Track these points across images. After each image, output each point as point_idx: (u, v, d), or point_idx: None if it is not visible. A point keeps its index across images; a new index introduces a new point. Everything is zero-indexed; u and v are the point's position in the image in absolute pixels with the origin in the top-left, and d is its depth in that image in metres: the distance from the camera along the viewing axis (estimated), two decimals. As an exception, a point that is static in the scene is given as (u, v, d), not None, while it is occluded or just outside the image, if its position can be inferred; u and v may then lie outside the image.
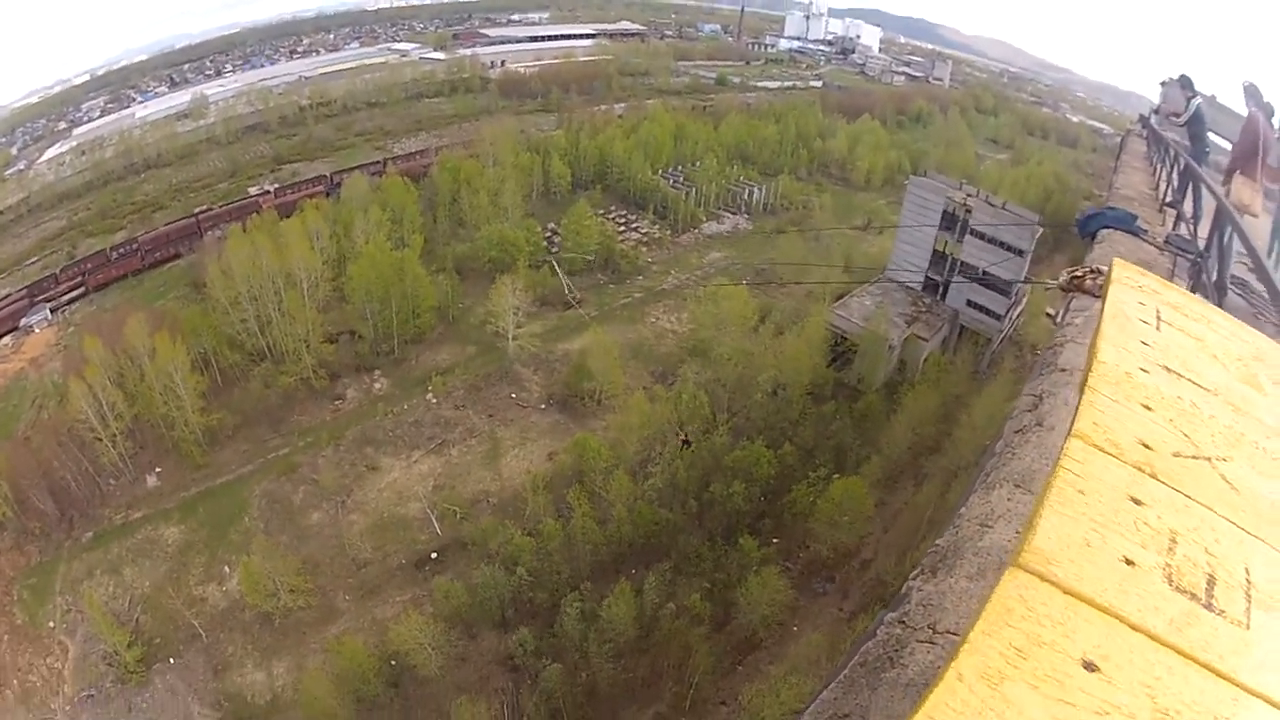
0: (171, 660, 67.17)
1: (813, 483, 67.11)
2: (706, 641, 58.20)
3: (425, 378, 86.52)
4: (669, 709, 58.69)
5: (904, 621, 6.72)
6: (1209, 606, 2.59)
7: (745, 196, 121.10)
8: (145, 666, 66.46)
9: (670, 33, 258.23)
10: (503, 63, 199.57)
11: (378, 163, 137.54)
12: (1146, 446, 3.14)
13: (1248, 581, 2.72)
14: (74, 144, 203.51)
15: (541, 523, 66.25)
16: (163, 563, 74.11)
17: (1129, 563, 2.62)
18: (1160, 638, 2.42)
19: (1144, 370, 3.63)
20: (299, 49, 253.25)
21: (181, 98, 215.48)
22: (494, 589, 62.94)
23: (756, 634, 60.91)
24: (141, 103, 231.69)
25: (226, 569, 71.99)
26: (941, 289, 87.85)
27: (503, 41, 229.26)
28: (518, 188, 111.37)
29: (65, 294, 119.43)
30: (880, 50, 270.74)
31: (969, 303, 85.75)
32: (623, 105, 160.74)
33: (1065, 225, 78.54)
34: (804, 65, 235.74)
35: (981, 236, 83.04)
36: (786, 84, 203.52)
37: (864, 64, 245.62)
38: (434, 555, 70.02)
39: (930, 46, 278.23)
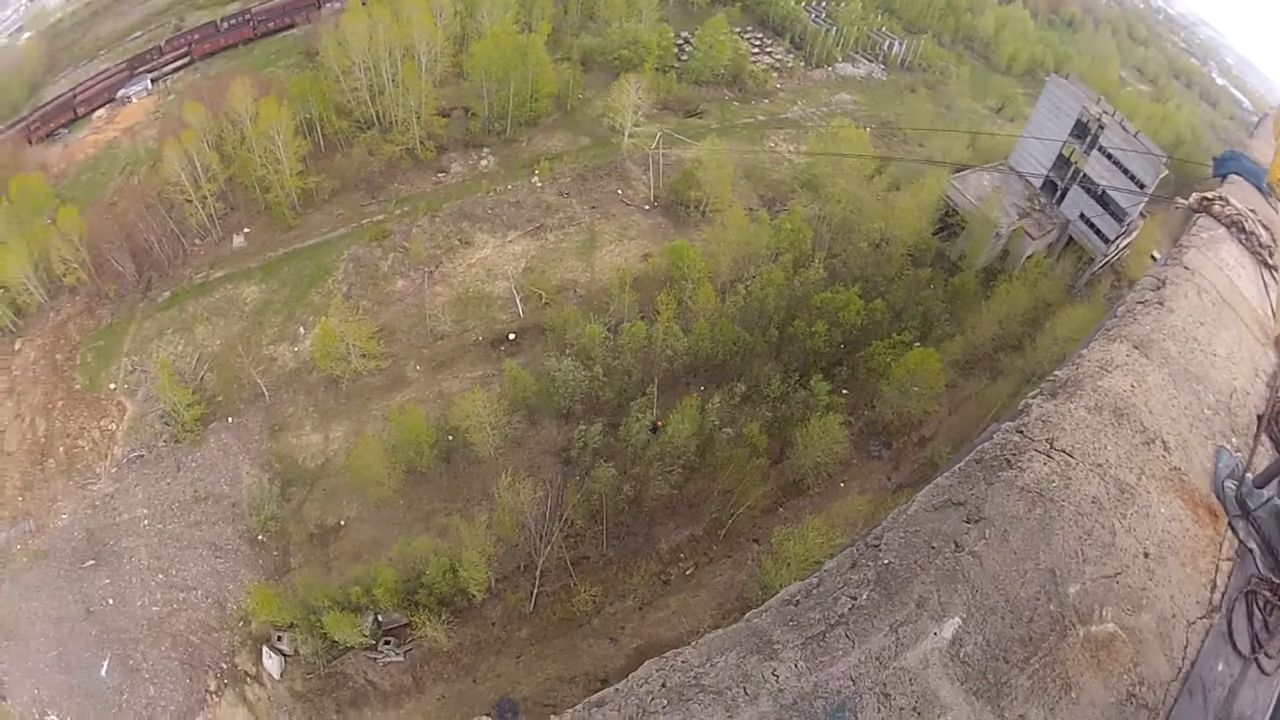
0: (230, 420, 69.53)
1: (893, 344, 66.03)
2: (758, 476, 58.03)
3: (533, 161, 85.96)
4: (704, 534, 59.56)
5: (1022, 431, 7.72)
6: None
7: (885, 47, 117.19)
8: (202, 425, 68.90)
9: None
10: None
11: None
12: None
13: None
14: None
15: (625, 321, 66.15)
16: (237, 321, 76.06)
17: None
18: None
19: None
20: None
21: None
22: (564, 380, 63.04)
23: (805, 479, 60.83)
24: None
25: (301, 330, 73.54)
26: (1060, 193, 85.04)
27: None
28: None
29: (169, 64, 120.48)
30: None
31: (1082, 216, 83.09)
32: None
33: (1195, 168, 75.96)
34: None
35: (1109, 156, 79.97)
36: None
37: None
38: (511, 336, 70.59)
39: None
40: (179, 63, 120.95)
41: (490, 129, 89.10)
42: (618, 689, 6.34)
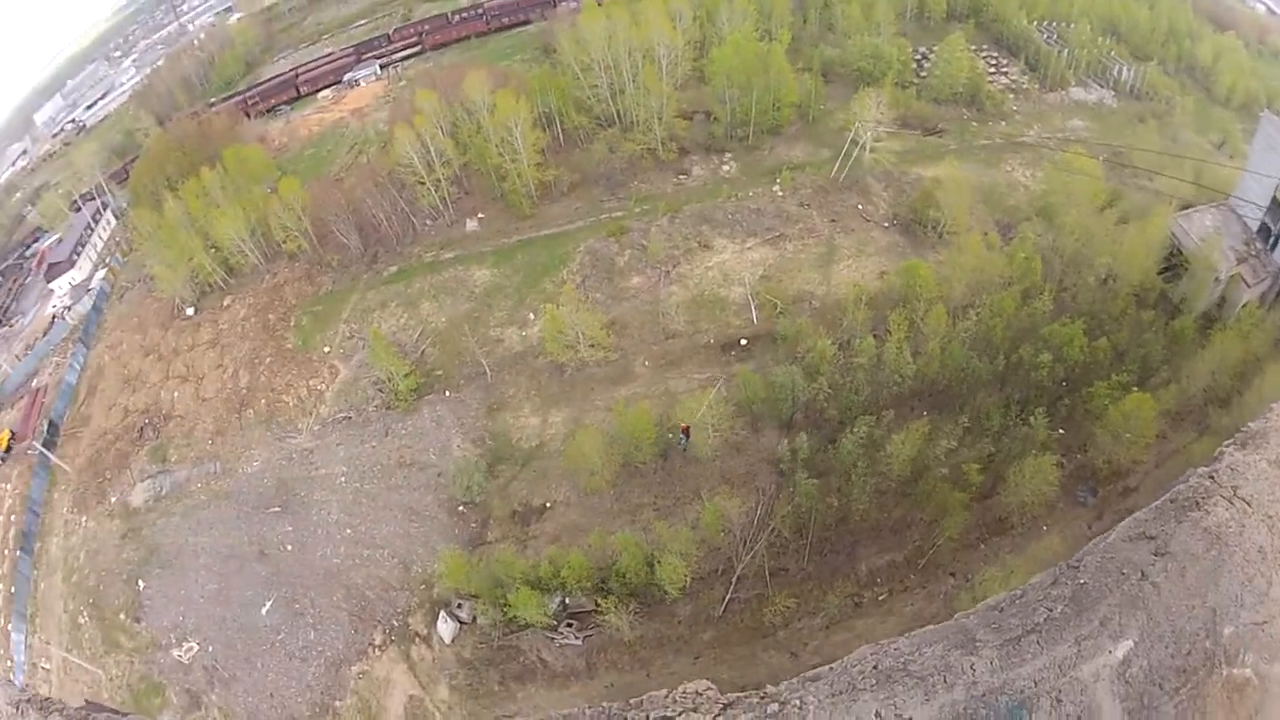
0: (447, 394, 72.59)
1: (1113, 386, 63.46)
2: (964, 510, 57.14)
3: (775, 170, 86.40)
4: (904, 561, 58.84)
5: (1213, 477, 8.59)
6: None
7: (1114, 72, 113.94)
8: (417, 396, 72.29)
9: None
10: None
11: None
12: None
13: None
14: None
15: (857, 338, 66.08)
16: (465, 301, 79.30)
17: None
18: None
19: None
20: None
21: None
22: (791, 390, 63.30)
23: (1010, 518, 59.54)
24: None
25: (531, 315, 76.09)
26: (1274, 239, 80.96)
27: None
28: (892, 4, 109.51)
29: (399, 52, 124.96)
30: None
31: None
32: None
33: None
34: None
35: None
36: None
37: None
38: (743, 341, 71.05)
39: None
40: (409, 51, 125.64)
41: (732, 134, 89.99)
42: (832, 667, 7.17)
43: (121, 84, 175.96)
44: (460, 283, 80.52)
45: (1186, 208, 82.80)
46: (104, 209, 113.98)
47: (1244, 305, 74.91)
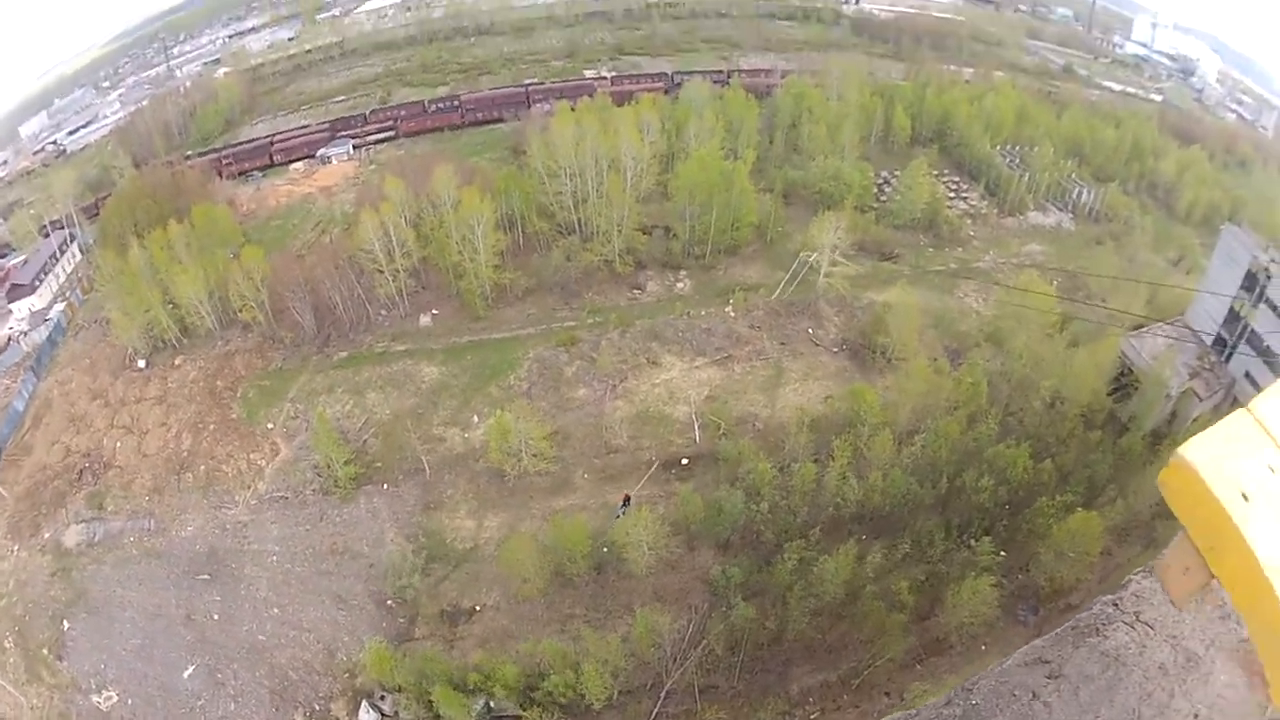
0: (385, 486, 71.77)
1: (1057, 506, 63.41)
2: (901, 631, 56.79)
3: (729, 290, 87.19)
4: (838, 681, 58.22)
5: (1116, 604, 8.71)
6: None
7: (1074, 195, 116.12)
8: (355, 485, 71.41)
9: (1024, 8, 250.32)
10: (857, 0, 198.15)
11: (720, 72, 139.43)
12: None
13: None
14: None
15: (798, 462, 65.83)
16: (411, 396, 78.70)
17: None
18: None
19: None
20: None
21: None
22: (728, 511, 63.15)
23: (949, 638, 59.24)
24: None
25: (475, 418, 75.51)
26: (1228, 351, 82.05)
27: None
28: (856, 128, 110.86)
29: (373, 134, 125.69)
30: (1216, 80, 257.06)
31: (1247, 375, 79.51)
32: (971, 70, 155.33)
33: None
34: (1146, 74, 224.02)
35: (1274, 308, 77.03)
36: (1129, 89, 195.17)
37: (1202, 90, 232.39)
38: (685, 461, 70.80)
39: (1259, 89, 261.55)
40: (383, 135, 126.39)
41: (689, 252, 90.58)
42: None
43: (106, 116, 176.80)
44: (408, 377, 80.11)
45: (1139, 327, 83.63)
46: (71, 240, 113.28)
47: (1195, 419, 75.41)
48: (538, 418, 71.68)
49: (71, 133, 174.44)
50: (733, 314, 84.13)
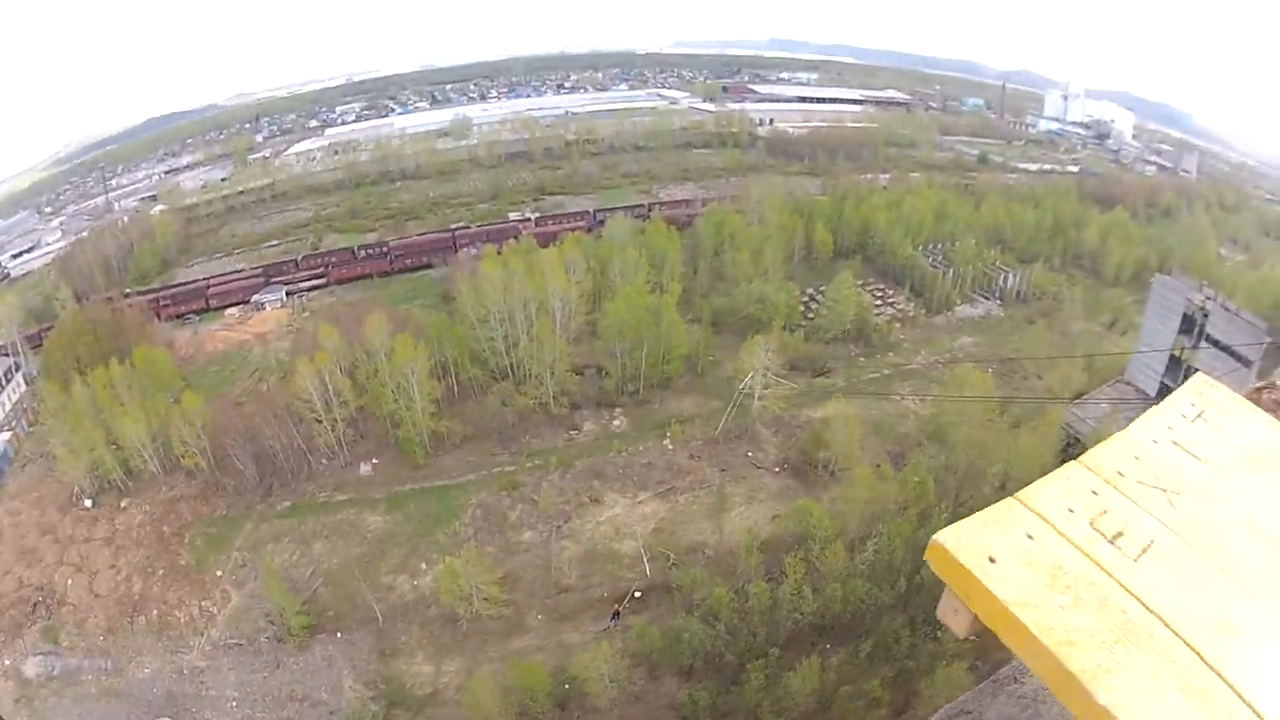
0: (339, 635, 70.42)
1: None
2: None
3: (665, 423, 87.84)
4: None
5: None
6: (1112, 541, 4.26)
7: (1000, 281, 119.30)
8: (309, 634, 70.08)
9: (935, 105, 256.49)
10: (771, 121, 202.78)
11: (642, 206, 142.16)
12: (1120, 474, 4.84)
13: (1150, 545, 4.31)
14: (326, 142, 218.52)
15: (751, 583, 66.00)
16: (358, 546, 77.75)
17: (1070, 511, 4.37)
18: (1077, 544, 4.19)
19: (1155, 441, 5.34)
20: (566, 84, 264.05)
21: (443, 115, 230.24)
22: (688, 639, 62.91)
23: None
24: (401, 114, 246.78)
25: (424, 565, 74.72)
26: None
27: (771, 99, 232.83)
28: (779, 248, 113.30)
29: (305, 280, 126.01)
30: (1132, 137, 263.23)
31: None
32: (887, 175, 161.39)
33: None
34: (1062, 148, 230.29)
35: (1215, 343, 79.14)
36: (1045, 167, 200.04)
37: (1118, 150, 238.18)
38: (637, 594, 70.79)
39: (1178, 135, 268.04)
40: (315, 281, 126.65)
41: (623, 389, 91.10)
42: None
43: (47, 243, 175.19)
44: (353, 526, 79.27)
45: (1080, 395, 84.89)
46: (16, 369, 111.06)
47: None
48: (486, 562, 70.91)
49: (15, 256, 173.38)
50: (671, 446, 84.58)
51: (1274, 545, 4.40)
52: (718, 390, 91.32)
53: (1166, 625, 3.63)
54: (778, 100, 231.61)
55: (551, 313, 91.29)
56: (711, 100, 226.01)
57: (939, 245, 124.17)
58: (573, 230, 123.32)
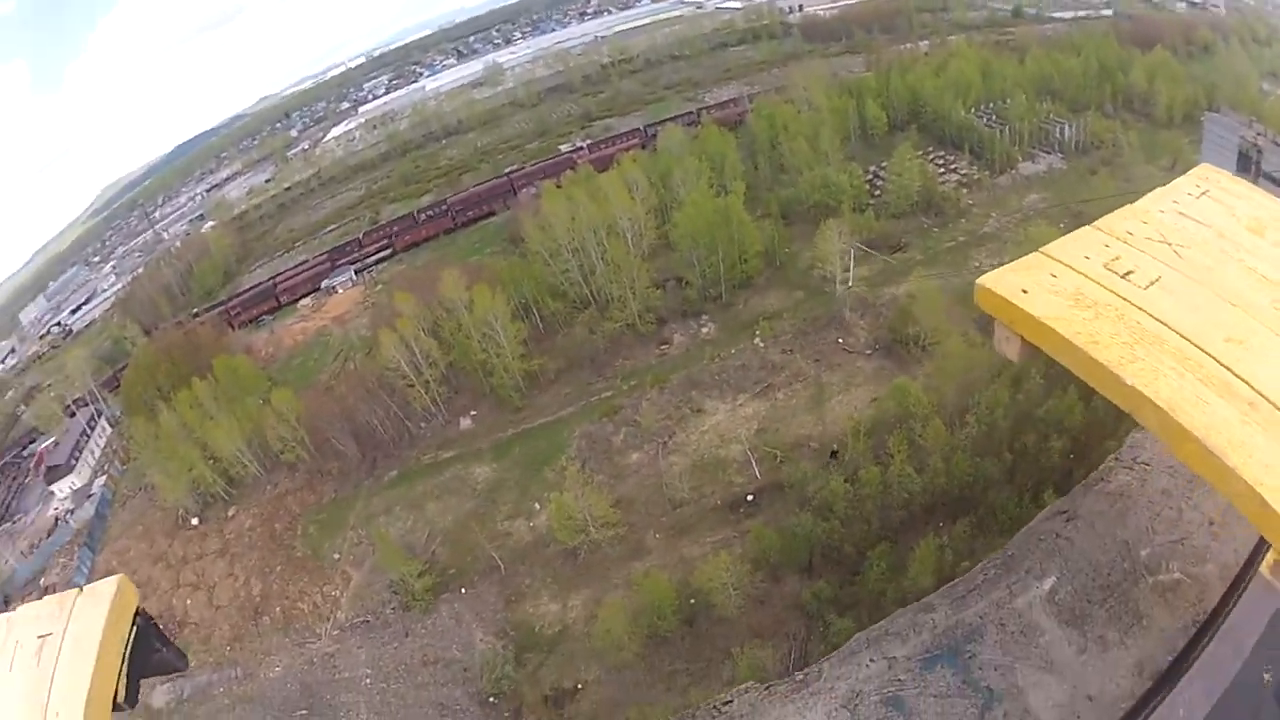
0: (463, 590, 71.20)
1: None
2: None
3: (752, 322, 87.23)
4: None
5: (1117, 458, 10.32)
6: (1124, 277, 4.97)
7: (1057, 134, 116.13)
8: (433, 595, 70.82)
9: None
10: (800, 6, 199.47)
11: (691, 113, 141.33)
12: (1130, 233, 5.58)
13: (1158, 279, 4.94)
14: (361, 120, 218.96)
15: (861, 469, 65.35)
16: (469, 499, 78.54)
17: (1086, 258, 5.23)
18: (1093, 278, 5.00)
19: (1161, 211, 6.11)
20: (588, 10, 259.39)
21: (473, 68, 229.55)
22: (804, 536, 62.68)
23: None
24: (430, 76, 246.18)
25: (537, 505, 75.20)
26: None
27: None
28: (834, 131, 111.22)
29: (371, 255, 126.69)
30: None
31: None
32: (926, 42, 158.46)
33: None
34: None
35: (1274, 180, 76.16)
36: (1080, 13, 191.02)
37: None
38: (750, 498, 70.32)
39: None
40: (381, 254, 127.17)
41: (705, 295, 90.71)
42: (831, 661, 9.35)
43: (103, 289, 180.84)
44: (462, 481, 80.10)
45: None
46: (98, 416, 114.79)
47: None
48: (595, 489, 71.39)
49: (73, 311, 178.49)
50: (761, 344, 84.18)
51: (1271, 286, 4.92)
52: (799, 281, 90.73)
53: (1178, 333, 4.25)
54: None
55: (622, 234, 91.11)
56: None
57: (990, 105, 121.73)
58: (627, 150, 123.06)
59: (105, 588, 4.81)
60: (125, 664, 4.71)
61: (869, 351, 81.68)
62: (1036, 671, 8.05)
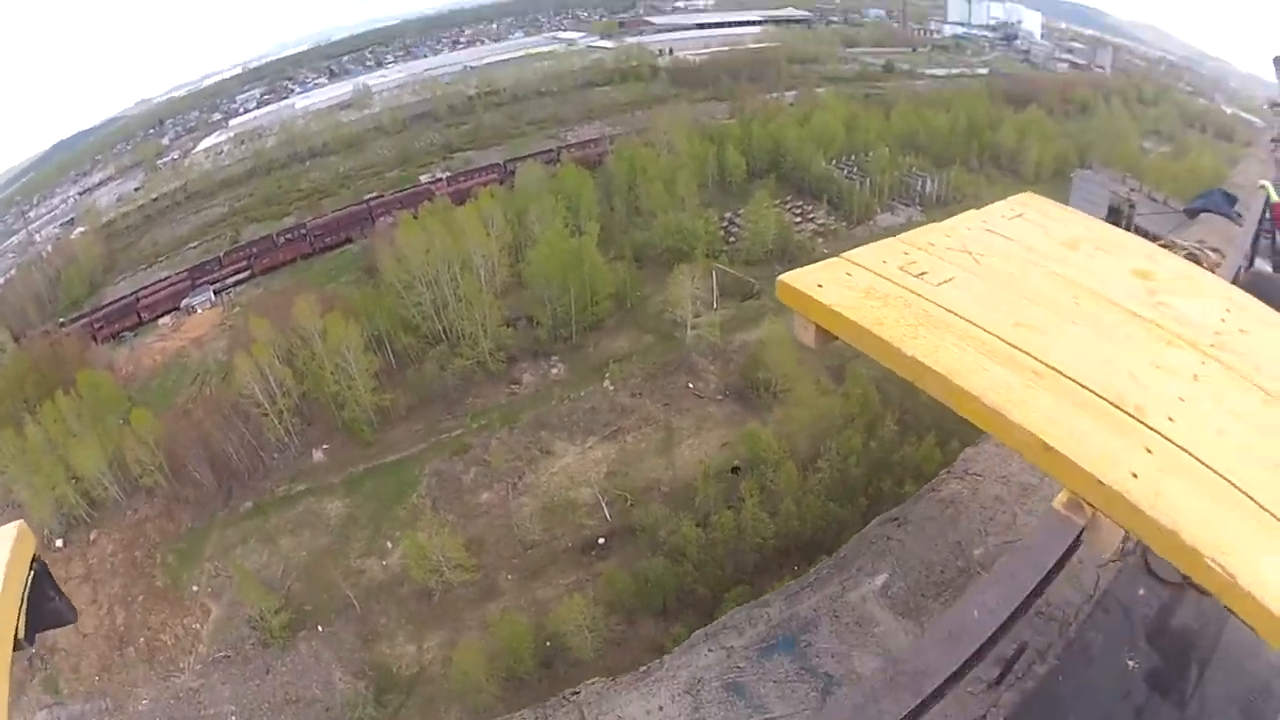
0: (320, 628, 69.91)
1: None
2: None
3: (602, 364, 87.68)
4: None
5: (949, 470, 10.77)
6: (917, 276, 5.19)
7: (918, 187, 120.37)
8: (291, 632, 69.52)
9: (835, 18, 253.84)
10: (671, 50, 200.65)
11: (551, 150, 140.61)
12: (931, 244, 5.76)
13: (951, 279, 5.20)
14: (231, 134, 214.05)
15: (712, 513, 66.63)
16: (323, 535, 77.21)
17: (884, 261, 5.37)
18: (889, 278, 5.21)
19: (968, 228, 6.34)
20: (461, 39, 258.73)
21: (342, 89, 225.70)
22: (658, 580, 63.39)
23: None
24: (301, 94, 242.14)
25: (389, 544, 74.38)
26: None
27: (669, 29, 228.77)
28: (693, 176, 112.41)
29: (230, 276, 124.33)
30: (1042, 36, 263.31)
31: None
32: (793, 93, 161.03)
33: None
34: (969, 52, 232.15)
35: (1146, 234, 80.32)
36: (954, 71, 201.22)
37: (1028, 50, 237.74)
38: (601, 541, 70.85)
39: (1090, 32, 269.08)
40: (240, 275, 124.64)
41: (556, 336, 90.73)
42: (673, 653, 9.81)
43: None
44: (315, 516, 78.74)
45: None
46: None
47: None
48: (447, 530, 70.99)
49: None
50: (611, 387, 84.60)
51: (1075, 286, 5.22)
52: (649, 325, 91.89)
53: (963, 318, 4.48)
54: (676, 29, 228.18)
55: (475, 270, 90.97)
56: (609, 37, 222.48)
57: (852, 157, 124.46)
58: (485, 184, 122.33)
59: (6, 531, 4.87)
60: (24, 604, 4.84)
61: (720, 397, 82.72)
62: (874, 658, 8.53)
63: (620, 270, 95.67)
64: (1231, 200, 19.05)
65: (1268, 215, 14.51)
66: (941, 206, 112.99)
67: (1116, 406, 3.94)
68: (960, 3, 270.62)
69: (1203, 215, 20.34)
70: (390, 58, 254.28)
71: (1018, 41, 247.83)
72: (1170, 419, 3.85)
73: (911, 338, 4.38)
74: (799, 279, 4.95)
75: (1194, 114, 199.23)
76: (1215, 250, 13.27)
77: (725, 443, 76.46)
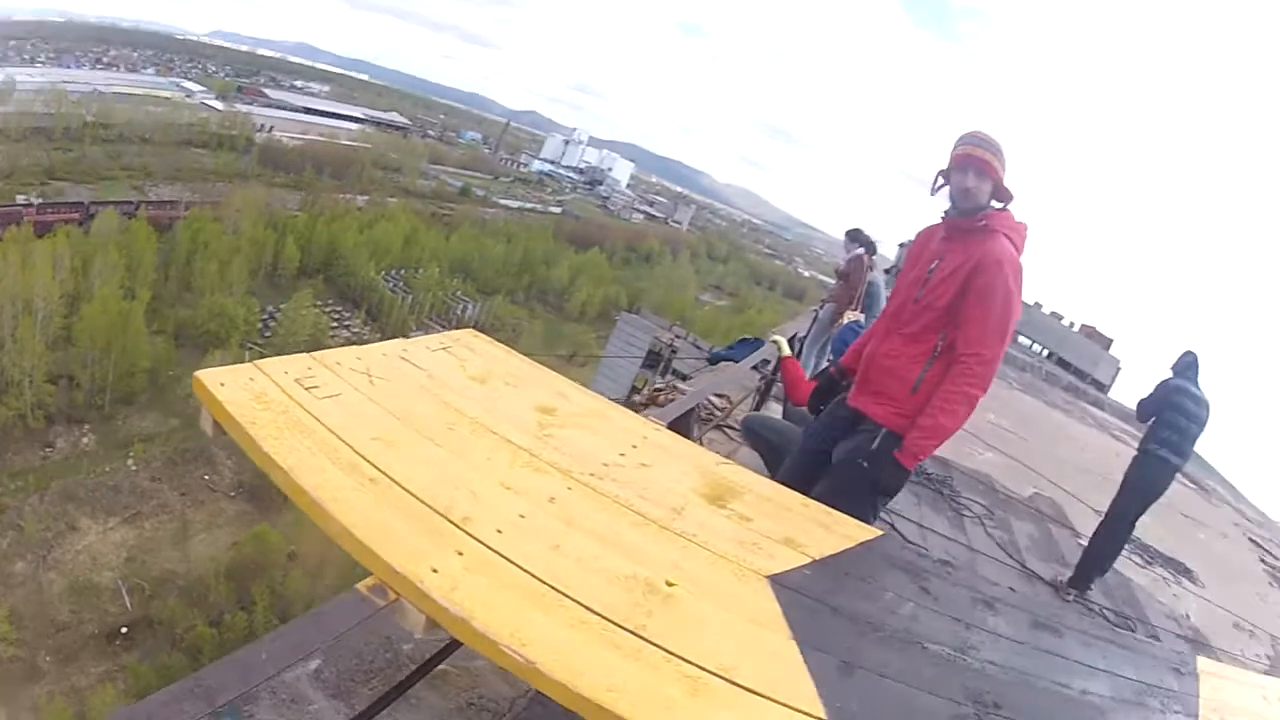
0: None
1: None
2: None
3: (130, 441, 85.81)
4: None
5: None
6: (308, 389, 5.07)
7: (459, 311, 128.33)
8: None
9: (433, 133, 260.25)
10: (270, 128, 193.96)
11: (132, 203, 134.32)
12: (338, 364, 5.43)
13: (338, 395, 5.16)
14: None
15: (225, 613, 69.68)
16: None
17: (285, 373, 5.16)
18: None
19: (384, 355, 5.92)
20: (104, 59, 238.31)
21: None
22: (179, 677, 62.96)
23: None
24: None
25: (-85, 611, 70.92)
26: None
27: (280, 106, 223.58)
28: (248, 261, 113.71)
29: None
30: (628, 185, 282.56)
31: None
32: (365, 198, 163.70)
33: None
34: (549, 189, 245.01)
35: (683, 376, 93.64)
36: (528, 205, 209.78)
37: (608, 197, 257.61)
38: (124, 630, 69.93)
39: (678, 189, 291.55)
40: None
41: (92, 403, 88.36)
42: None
43: None
44: None
45: None
46: None
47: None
48: (-7, 601, 69.63)
49: None
50: (134, 468, 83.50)
51: (458, 414, 5.29)
52: (177, 408, 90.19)
53: (327, 428, 4.63)
54: (285, 108, 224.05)
55: (35, 314, 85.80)
56: (224, 98, 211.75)
57: (403, 272, 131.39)
58: (67, 222, 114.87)
59: None
60: None
61: (233, 493, 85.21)
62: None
63: (160, 345, 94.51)
64: (755, 349, 20.96)
65: (775, 366, 15.42)
66: (480, 332, 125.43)
67: (442, 515, 4.13)
68: (557, 142, 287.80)
69: (722, 364, 22.23)
70: (43, 57, 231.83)
71: (600, 187, 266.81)
72: (499, 530, 4.07)
73: (273, 437, 4.51)
74: (208, 377, 4.89)
75: (765, 273, 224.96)
76: (721, 395, 15.07)
77: (235, 541, 78.67)
